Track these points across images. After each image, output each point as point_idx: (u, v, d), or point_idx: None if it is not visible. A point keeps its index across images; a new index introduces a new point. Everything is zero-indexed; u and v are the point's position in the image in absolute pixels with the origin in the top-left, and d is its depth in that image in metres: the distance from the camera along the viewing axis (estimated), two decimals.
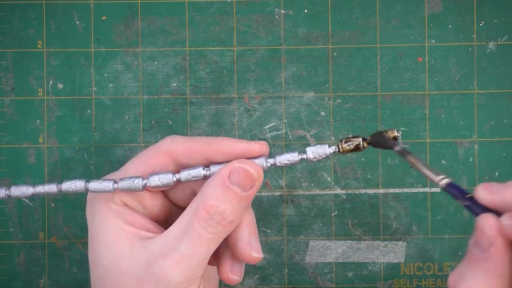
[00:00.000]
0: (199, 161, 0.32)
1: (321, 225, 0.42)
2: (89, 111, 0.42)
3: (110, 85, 0.42)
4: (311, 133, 0.42)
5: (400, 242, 0.42)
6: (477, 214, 0.27)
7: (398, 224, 0.42)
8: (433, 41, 0.42)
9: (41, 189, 0.31)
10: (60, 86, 0.42)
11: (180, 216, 0.30)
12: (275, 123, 0.42)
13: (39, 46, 0.42)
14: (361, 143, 0.31)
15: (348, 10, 0.42)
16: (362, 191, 0.42)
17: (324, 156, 0.31)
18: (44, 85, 0.42)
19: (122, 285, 0.30)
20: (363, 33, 0.42)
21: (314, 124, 0.42)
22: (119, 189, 0.31)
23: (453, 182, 0.29)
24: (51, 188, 0.31)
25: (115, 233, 0.31)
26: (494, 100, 0.42)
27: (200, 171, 0.31)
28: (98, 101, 0.42)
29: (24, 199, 0.42)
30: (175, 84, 0.42)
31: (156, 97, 0.42)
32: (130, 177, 0.31)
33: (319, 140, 0.42)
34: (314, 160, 0.31)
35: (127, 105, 0.42)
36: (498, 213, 0.27)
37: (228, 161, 0.31)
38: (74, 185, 0.31)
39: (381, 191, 0.42)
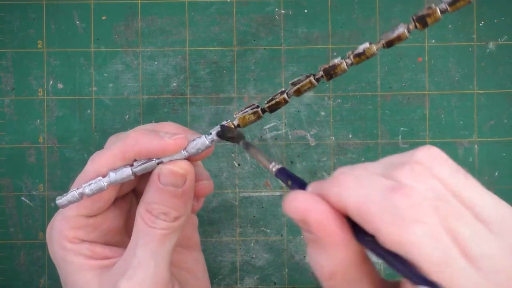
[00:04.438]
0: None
1: None
2: (89, 111, 0.42)
3: (110, 85, 0.42)
4: (311, 133, 0.42)
5: None
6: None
7: None
8: (433, 41, 0.42)
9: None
10: (60, 86, 0.42)
11: (133, 231, 0.31)
12: (275, 123, 0.42)
13: (39, 46, 0.42)
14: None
15: (348, 10, 0.42)
16: None
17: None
18: (44, 85, 0.42)
19: None
20: (363, 33, 0.42)
21: (314, 124, 0.42)
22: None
23: (285, 167, 0.27)
24: (126, 172, 0.30)
25: (78, 272, 0.31)
26: (494, 100, 0.42)
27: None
28: (98, 101, 0.42)
29: (23, 198, 0.42)
30: (175, 84, 0.42)
31: (156, 97, 0.42)
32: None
33: (319, 140, 0.42)
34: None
35: (127, 105, 0.42)
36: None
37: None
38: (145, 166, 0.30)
39: None
